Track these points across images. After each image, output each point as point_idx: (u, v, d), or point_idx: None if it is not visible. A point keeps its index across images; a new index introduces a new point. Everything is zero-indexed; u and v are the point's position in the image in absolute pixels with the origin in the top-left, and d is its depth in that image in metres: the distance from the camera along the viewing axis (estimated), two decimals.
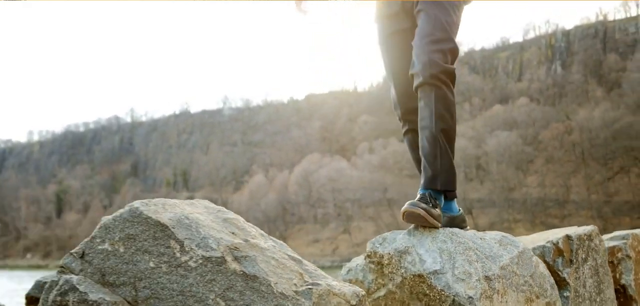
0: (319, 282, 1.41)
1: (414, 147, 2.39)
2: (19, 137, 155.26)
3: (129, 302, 1.30)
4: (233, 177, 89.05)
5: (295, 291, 1.35)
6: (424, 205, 1.91)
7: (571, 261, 2.21)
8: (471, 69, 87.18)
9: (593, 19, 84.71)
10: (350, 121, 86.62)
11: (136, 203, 1.42)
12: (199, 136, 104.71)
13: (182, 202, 1.57)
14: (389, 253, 1.85)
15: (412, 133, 2.39)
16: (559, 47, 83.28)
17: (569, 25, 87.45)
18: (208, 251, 1.33)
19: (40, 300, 1.36)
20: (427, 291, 1.73)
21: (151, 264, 1.33)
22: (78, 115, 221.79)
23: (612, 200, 57.61)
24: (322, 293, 1.37)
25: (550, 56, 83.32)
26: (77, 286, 1.32)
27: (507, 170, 61.65)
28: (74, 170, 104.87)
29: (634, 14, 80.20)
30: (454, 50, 2.16)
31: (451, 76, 2.14)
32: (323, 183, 67.10)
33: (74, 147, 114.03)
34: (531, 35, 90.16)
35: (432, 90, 2.11)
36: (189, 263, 1.31)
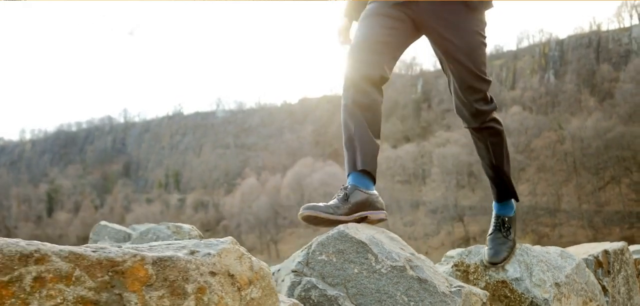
0: (462, 285, 1.88)
1: (354, 121, 2.27)
2: (11, 135, 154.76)
3: (343, 297, 1.79)
4: (225, 179, 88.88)
5: (450, 291, 1.82)
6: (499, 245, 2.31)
7: (609, 271, 2.64)
8: None
9: (587, 29, 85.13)
10: (341, 125, 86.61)
11: (341, 227, 1.94)
12: (192, 138, 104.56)
13: (366, 226, 2.08)
14: (475, 263, 2.31)
15: (358, 108, 2.24)
16: (553, 56, 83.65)
17: (562, 35, 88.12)
18: (393, 261, 1.83)
19: (285, 292, 1.83)
20: (509, 294, 2.19)
21: (355, 270, 1.83)
22: (71, 114, 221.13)
23: (603, 209, 57.86)
24: (467, 292, 1.85)
25: (543, 65, 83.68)
26: (317, 285, 1.81)
27: None
28: (65, 169, 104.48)
29: (627, 24, 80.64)
30: (489, 84, 2.29)
31: (495, 110, 2.33)
32: (315, 187, 66.98)
33: (66, 146, 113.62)
34: (525, 43, 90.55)
35: (483, 132, 2.33)
36: (381, 270, 1.81)
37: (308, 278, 1.84)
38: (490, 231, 2.42)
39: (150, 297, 1.08)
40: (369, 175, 2.18)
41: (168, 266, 1.13)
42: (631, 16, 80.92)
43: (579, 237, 54.68)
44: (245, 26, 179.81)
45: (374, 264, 1.82)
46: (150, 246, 1.22)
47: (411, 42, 2.32)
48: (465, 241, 61.61)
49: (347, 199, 2.11)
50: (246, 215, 70.85)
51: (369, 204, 2.15)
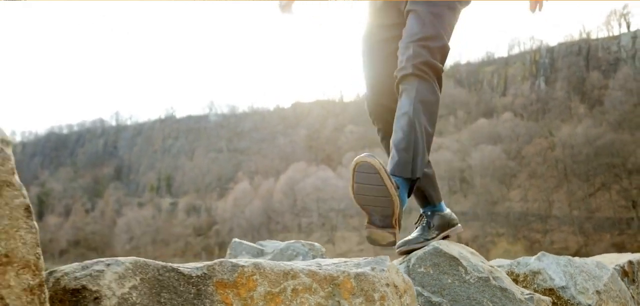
0: (532, 293, 2.17)
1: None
2: None
3: (445, 303, 2.04)
4: (218, 183, 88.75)
5: (525, 298, 2.10)
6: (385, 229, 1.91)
7: (634, 280, 2.86)
8: (457, 82, 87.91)
9: (576, 37, 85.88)
10: (336, 131, 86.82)
11: (435, 243, 2.19)
12: (184, 141, 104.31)
13: (454, 243, 2.32)
14: (525, 273, 2.49)
15: (387, 141, 2.28)
16: (543, 63, 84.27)
17: (552, 42, 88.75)
18: (479, 273, 2.10)
19: None
20: (556, 301, 2.39)
21: (449, 280, 2.09)
22: (62, 116, 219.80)
23: (594, 216, 58.31)
24: (537, 299, 2.14)
25: (534, 72, 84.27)
26: (422, 293, 2.05)
27: (491, 184, 62.20)
28: (56, 172, 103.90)
29: (616, 33, 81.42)
30: (444, 49, 2.06)
31: (437, 72, 2.04)
32: (308, 192, 67.15)
33: (57, 149, 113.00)
34: (516, 50, 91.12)
35: (415, 79, 2.01)
36: (470, 280, 2.08)
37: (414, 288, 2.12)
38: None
39: (354, 303, 1.48)
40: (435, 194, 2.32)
41: (363, 279, 1.51)
42: (620, 25, 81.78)
43: (570, 243, 55.10)
44: (238, 29, 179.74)
45: (464, 275, 2.10)
46: (334, 262, 1.61)
47: None
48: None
49: (430, 226, 2.28)
50: (239, 220, 70.74)
51: (447, 223, 2.34)
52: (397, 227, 1.87)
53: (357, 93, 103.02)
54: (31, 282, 1.06)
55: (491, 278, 2.09)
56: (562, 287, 2.39)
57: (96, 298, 1.11)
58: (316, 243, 2.53)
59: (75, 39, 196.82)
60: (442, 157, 65.85)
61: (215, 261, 1.32)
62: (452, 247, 2.18)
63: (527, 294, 2.12)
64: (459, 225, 2.42)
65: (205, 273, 1.27)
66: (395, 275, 1.62)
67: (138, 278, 1.18)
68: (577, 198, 60.63)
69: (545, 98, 77.72)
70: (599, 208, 59.23)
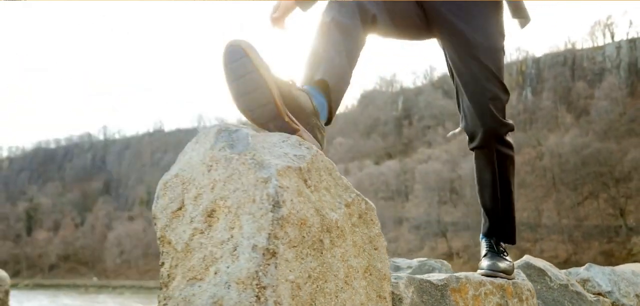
0: (597, 295, 2.70)
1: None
2: None
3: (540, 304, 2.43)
4: None
5: (593, 300, 2.62)
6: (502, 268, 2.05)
7: None
8: (445, 93, 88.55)
9: (562, 48, 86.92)
10: (325, 143, 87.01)
11: (526, 258, 2.66)
12: (173, 155, 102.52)
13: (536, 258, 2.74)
14: (576, 281, 2.84)
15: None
16: (530, 73, 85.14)
17: (538, 53, 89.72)
18: (560, 281, 2.56)
19: None
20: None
21: (538, 287, 2.48)
22: (49, 131, 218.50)
23: (582, 224, 58.82)
24: (602, 300, 2.66)
25: (521, 82, 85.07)
26: None
27: None
28: (44, 187, 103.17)
29: (600, 43, 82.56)
30: (508, 96, 2.07)
31: (512, 130, 2.12)
32: None
33: (44, 163, 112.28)
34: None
35: (493, 153, 2.08)
36: (554, 286, 2.52)
37: None
38: (483, 254, 2.18)
39: (513, 302, 2.08)
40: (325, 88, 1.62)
41: (517, 286, 2.10)
42: (604, 35, 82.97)
43: (560, 252, 55.56)
44: (227, 40, 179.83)
45: (549, 282, 2.56)
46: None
47: (417, 39, 2.02)
48: (449, 256, 62.13)
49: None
50: None
51: (313, 111, 1.58)
52: (293, 120, 1.39)
53: (345, 106, 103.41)
54: None
55: (569, 285, 2.59)
56: (609, 292, 2.84)
57: (400, 299, 1.60)
58: (445, 261, 2.90)
59: (62, 53, 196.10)
60: (431, 167, 66.21)
61: (451, 275, 1.88)
62: (537, 261, 2.67)
63: (593, 297, 2.65)
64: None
65: (445, 283, 1.79)
66: (530, 283, 2.21)
67: (412, 287, 1.67)
68: (565, 207, 61.18)
69: (532, 109, 78.47)
70: (587, 216, 59.79)
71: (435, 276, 1.81)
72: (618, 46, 79.02)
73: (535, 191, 63.81)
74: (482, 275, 2.00)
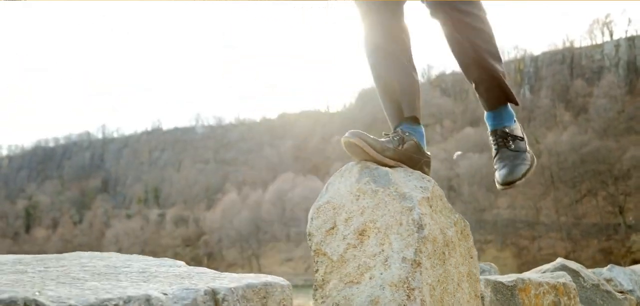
0: (624, 294, 2.87)
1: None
2: None
3: None
4: (205, 194, 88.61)
5: (621, 297, 2.81)
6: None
7: None
8: (442, 92, 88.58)
9: (560, 46, 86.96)
10: (323, 141, 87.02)
11: (560, 261, 2.91)
12: (171, 153, 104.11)
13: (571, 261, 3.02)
14: (600, 280, 3.01)
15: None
16: (528, 72, 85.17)
17: (537, 51, 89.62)
18: (592, 281, 2.79)
19: None
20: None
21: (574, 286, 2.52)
22: (48, 130, 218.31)
23: (581, 222, 58.84)
24: (629, 298, 2.85)
25: (519, 80, 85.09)
26: None
27: (478, 191, 62.60)
28: (43, 185, 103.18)
29: (599, 41, 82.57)
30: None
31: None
32: (297, 202, 67.14)
33: (43, 162, 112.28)
34: None
35: (456, 14, 1.90)
36: (586, 286, 2.75)
37: None
38: (493, 153, 2.02)
39: (564, 299, 2.34)
40: (417, 121, 1.87)
41: (566, 285, 2.39)
42: (603, 33, 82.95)
43: (558, 249, 55.52)
44: (224, 41, 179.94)
45: (583, 282, 2.76)
46: (542, 274, 2.49)
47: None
48: None
49: (403, 144, 1.77)
50: (227, 230, 70.59)
51: (418, 150, 1.84)
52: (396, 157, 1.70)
53: (343, 104, 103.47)
54: None
55: (600, 284, 2.80)
56: (630, 290, 3.01)
57: (482, 297, 1.81)
58: (492, 264, 3.17)
59: (61, 52, 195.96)
60: (431, 165, 66.21)
61: (518, 277, 2.20)
62: (571, 263, 2.90)
63: (621, 295, 2.86)
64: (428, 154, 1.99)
65: (514, 284, 2.12)
66: (573, 283, 2.44)
67: (489, 287, 2.07)
68: (564, 204, 61.19)
69: (531, 107, 78.48)
70: (585, 214, 59.81)
71: (505, 278, 2.18)
72: (617, 44, 79.00)
73: (534, 189, 63.83)
74: (501, 185, 1.87)
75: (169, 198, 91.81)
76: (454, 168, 64.69)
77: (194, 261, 75.43)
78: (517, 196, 64.86)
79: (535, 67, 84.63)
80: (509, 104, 2.02)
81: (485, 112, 2.05)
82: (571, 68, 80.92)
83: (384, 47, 1.86)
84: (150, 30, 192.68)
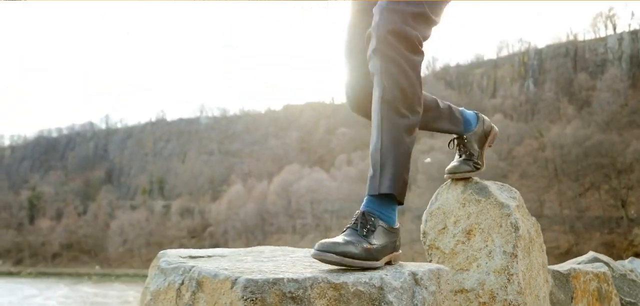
0: None
1: None
2: None
3: None
4: (210, 186, 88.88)
5: None
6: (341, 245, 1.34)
7: None
8: (447, 84, 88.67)
9: (564, 39, 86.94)
10: (328, 133, 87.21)
11: (591, 254, 3.05)
12: (176, 144, 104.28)
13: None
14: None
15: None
16: (532, 65, 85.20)
17: (541, 44, 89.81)
18: (621, 271, 2.99)
19: None
20: None
21: None
22: (51, 120, 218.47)
23: (584, 215, 59.10)
24: None
25: (523, 73, 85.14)
26: None
27: None
28: (46, 176, 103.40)
29: (603, 34, 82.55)
30: (421, 17, 1.58)
31: (408, 41, 1.53)
32: (302, 194, 67.43)
33: (47, 152, 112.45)
34: (505, 52, 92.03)
35: (379, 59, 1.53)
36: (615, 276, 2.91)
37: None
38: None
39: (605, 286, 2.61)
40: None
41: (606, 274, 2.65)
42: (606, 26, 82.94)
43: (561, 242, 55.85)
44: (229, 32, 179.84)
45: (612, 272, 2.92)
46: (593, 265, 2.80)
47: None
48: None
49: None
50: (233, 222, 70.90)
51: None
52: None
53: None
54: None
55: (627, 274, 2.98)
56: None
57: (546, 281, 2.23)
58: None
59: (64, 42, 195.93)
60: (433, 158, 66.40)
61: (570, 266, 2.51)
62: (601, 256, 3.06)
63: None
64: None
65: (568, 272, 2.40)
66: (609, 273, 2.72)
67: (549, 274, 2.30)
68: (567, 198, 61.45)
69: (534, 100, 78.57)
70: (588, 207, 60.07)
71: (561, 267, 2.51)
72: (620, 38, 79.06)
73: (537, 182, 64.09)
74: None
75: (173, 189, 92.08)
76: None
77: None
78: (520, 189, 64.54)
79: (539, 60, 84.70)
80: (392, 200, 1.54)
81: (366, 194, 1.55)
82: (575, 61, 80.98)
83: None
84: (154, 25, 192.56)
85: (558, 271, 2.38)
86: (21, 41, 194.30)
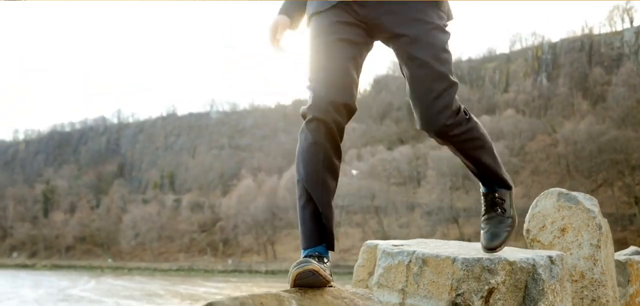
0: None
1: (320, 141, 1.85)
2: (4, 135, 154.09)
3: None
4: (220, 180, 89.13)
5: None
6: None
7: None
8: (459, 79, 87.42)
9: (579, 33, 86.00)
10: None
11: (633, 248, 3.23)
12: (186, 139, 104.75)
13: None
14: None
15: (323, 124, 1.83)
16: (545, 59, 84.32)
17: (555, 38, 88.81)
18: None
19: None
20: None
21: None
22: (64, 115, 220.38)
23: None
24: None
25: (536, 68, 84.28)
26: None
27: None
28: (60, 169, 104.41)
29: (619, 28, 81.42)
30: (456, 87, 1.94)
31: (460, 118, 1.94)
32: None
33: (60, 146, 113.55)
34: (518, 46, 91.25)
35: (450, 142, 2.00)
36: None
37: None
38: (482, 213, 2.16)
39: (630, 270, 2.87)
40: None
41: (635, 260, 2.92)
42: (623, 20, 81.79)
43: None
44: (239, 27, 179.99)
45: None
46: (625, 255, 3.03)
47: (366, 56, 2.01)
48: None
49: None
50: (243, 216, 71.01)
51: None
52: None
53: (359, 90, 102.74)
54: None
55: None
56: None
57: None
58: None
59: (76, 38, 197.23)
60: (444, 153, 65.90)
61: (627, 256, 2.94)
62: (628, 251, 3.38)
63: None
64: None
65: (626, 260, 2.88)
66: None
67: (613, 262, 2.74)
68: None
69: (548, 95, 77.79)
70: (601, 204, 57.35)
71: (619, 255, 3.00)
72: (637, 31, 77.84)
73: (549, 178, 63.41)
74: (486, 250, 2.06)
75: (184, 184, 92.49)
76: None
77: (210, 246, 76.13)
78: (532, 185, 64.46)
79: (553, 55, 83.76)
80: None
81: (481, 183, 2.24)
82: (590, 55, 79.96)
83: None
84: (166, 16, 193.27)
85: (618, 259, 2.89)
86: (34, 40, 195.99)
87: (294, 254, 63.07)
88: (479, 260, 1.89)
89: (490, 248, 1.99)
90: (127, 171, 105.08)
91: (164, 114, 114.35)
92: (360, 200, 65.10)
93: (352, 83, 1.89)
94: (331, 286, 1.74)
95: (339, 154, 1.91)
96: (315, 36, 1.90)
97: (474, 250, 2.11)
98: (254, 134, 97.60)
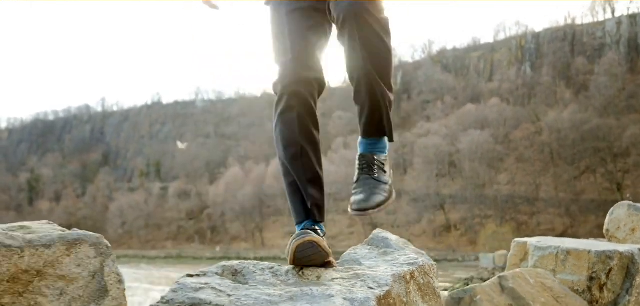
0: None
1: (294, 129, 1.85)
2: None
3: None
4: (207, 169, 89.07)
5: None
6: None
7: None
8: (444, 68, 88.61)
9: (562, 23, 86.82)
10: (324, 116, 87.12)
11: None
12: (172, 127, 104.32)
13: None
14: None
15: (296, 114, 1.83)
16: (529, 48, 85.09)
17: (538, 28, 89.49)
18: None
19: None
20: None
21: None
22: (47, 103, 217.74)
23: (580, 198, 59.51)
24: None
25: (520, 57, 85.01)
26: None
27: (479, 167, 63.13)
28: (44, 158, 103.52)
29: (601, 18, 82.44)
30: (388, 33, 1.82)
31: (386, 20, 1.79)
32: None
33: (44, 135, 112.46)
34: (502, 36, 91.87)
35: (362, 24, 1.73)
36: None
37: None
38: (355, 177, 1.96)
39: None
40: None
41: (632, 255, 3.01)
42: (605, 10, 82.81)
43: (557, 225, 56.30)
44: (223, 15, 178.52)
45: None
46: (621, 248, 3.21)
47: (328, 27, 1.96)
48: (446, 229, 62.92)
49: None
50: (231, 204, 71.20)
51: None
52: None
53: (344, 79, 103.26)
54: None
55: None
56: None
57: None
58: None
59: (58, 25, 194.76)
60: (430, 141, 66.65)
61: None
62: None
63: None
64: None
65: None
66: None
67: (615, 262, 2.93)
68: (563, 181, 61.80)
69: (531, 84, 78.59)
70: (584, 190, 60.45)
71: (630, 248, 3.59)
72: (618, 22, 78.97)
73: (534, 165, 64.38)
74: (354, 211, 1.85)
75: (170, 172, 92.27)
76: (455, 144, 65.15)
77: (198, 234, 76.27)
78: (517, 172, 65.41)
79: (536, 44, 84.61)
80: (385, 137, 1.98)
81: (360, 137, 2.00)
82: (572, 45, 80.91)
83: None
84: (151, 2, 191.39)
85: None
86: (15, 28, 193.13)
87: (282, 241, 63.47)
88: (603, 251, 2.66)
89: (360, 209, 1.83)
90: (112, 160, 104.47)
91: (149, 103, 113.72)
92: (347, 188, 65.41)
93: (316, 49, 1.88)
94: (330, 261, 1.77)
95: (315, 122, 1.90)
96: (276, 9, 1.93)
97: (594, 245, 2.90)
98: (240, 122, 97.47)
